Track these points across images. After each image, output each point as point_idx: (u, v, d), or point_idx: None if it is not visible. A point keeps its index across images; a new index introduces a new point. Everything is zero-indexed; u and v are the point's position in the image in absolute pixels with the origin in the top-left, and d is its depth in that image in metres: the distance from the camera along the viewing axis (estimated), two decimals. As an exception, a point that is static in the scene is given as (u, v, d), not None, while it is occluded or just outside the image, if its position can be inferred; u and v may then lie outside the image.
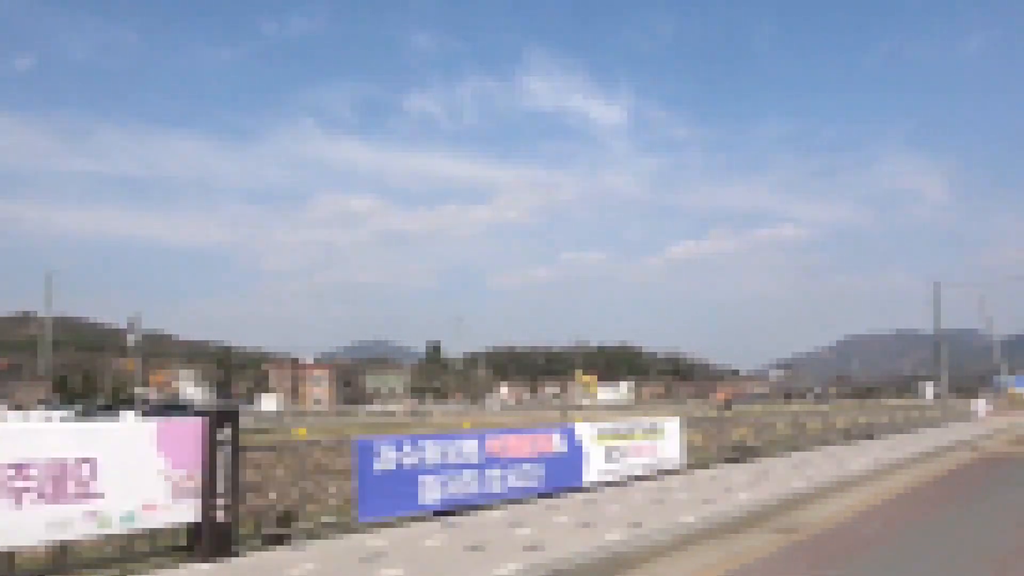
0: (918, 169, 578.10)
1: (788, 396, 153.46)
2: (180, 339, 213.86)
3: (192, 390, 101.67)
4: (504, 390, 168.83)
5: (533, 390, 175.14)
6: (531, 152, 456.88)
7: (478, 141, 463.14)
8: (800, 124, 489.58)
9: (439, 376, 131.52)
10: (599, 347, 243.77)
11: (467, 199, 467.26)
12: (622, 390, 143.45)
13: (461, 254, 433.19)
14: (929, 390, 70.51)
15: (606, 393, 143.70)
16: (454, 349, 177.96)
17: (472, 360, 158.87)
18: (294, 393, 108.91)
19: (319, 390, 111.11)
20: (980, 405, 40.51)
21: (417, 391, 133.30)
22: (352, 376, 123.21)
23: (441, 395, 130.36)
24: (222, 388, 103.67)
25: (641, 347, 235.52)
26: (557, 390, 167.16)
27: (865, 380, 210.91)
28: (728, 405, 66.40)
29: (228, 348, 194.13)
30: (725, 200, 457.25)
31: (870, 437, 23.62)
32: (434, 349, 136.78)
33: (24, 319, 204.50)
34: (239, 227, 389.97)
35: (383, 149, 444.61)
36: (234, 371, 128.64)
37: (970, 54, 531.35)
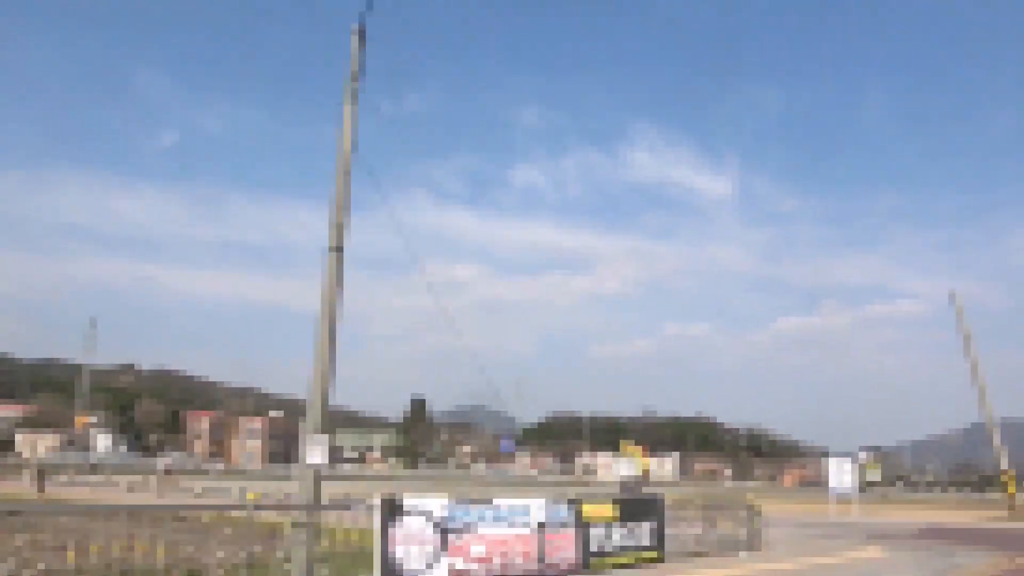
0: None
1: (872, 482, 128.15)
2: (264, 392, 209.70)
3: (101, 438, 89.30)
4: (527, 459, 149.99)
5: (567, 458, 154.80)
6: (634, 223, 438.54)
7: (582, 212, 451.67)
8: (918, 196, 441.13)
9: (422, 436, 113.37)
10: (672, 418, 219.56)
11: (570, 269, 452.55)
12: (640, 467, 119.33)
13: (562, 323, 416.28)
14: (836, 473, 35.18)
15: (628, 468, 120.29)
16: (515, 412, 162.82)
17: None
18: (215, 447, 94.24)
19: (250, 444, 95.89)
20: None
21: (404, 454, 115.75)
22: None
23: (425, 457, 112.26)
24: (135, 438, 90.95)
25: (721, 421, 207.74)
26: (593, 461, 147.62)
27: (992, 469, 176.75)
28: (630, 490, 44.38)
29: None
30: (837, 274, 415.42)
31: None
32: (419, 405, 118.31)
33: (125, 370, 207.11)
34: (351, 292, 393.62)
35: (489, 219, 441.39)
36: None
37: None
